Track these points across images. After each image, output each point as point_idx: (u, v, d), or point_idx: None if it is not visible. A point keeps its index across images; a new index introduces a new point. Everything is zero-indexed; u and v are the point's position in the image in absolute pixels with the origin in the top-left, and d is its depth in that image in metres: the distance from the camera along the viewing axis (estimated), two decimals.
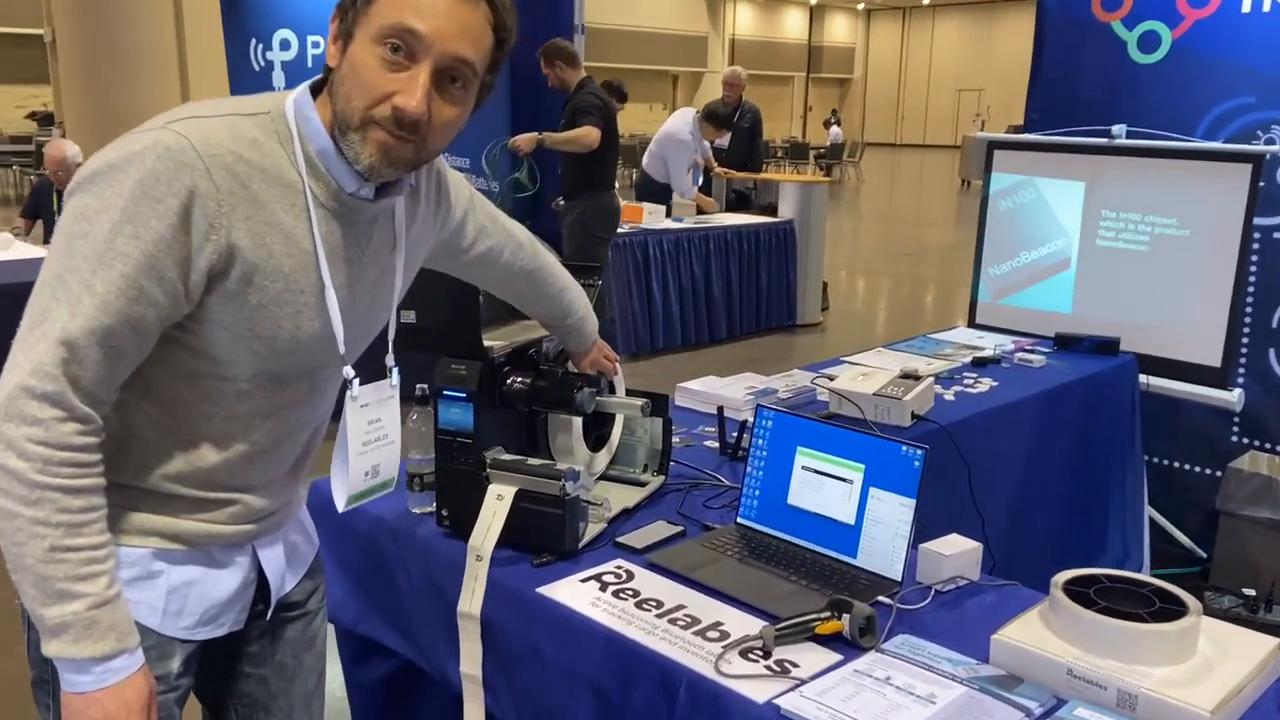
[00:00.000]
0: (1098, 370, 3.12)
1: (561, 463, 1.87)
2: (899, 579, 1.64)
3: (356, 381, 1.30)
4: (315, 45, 6.46)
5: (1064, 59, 3.64)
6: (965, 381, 2.89)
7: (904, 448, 1.67)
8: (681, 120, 7.19)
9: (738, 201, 7.74)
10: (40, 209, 6.09)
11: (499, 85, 4.75)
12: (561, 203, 5.39)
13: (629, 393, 2.03)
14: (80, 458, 1.08)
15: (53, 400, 1.05)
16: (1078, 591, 1.42)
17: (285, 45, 6.61)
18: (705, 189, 7.63)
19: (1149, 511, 3.42)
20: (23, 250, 5.35)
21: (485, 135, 5.51)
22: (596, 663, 1.51)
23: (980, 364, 3.08)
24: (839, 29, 36.31)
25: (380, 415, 1.35)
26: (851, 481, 1.72)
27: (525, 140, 5.28)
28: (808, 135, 29.73)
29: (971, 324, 3.81)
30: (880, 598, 1.60)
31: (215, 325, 1.15)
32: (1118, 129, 3.41)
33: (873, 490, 1.69)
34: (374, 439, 1.35)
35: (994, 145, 3.69)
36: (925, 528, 2.24)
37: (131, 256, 1.06)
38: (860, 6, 35.86)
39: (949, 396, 2.75)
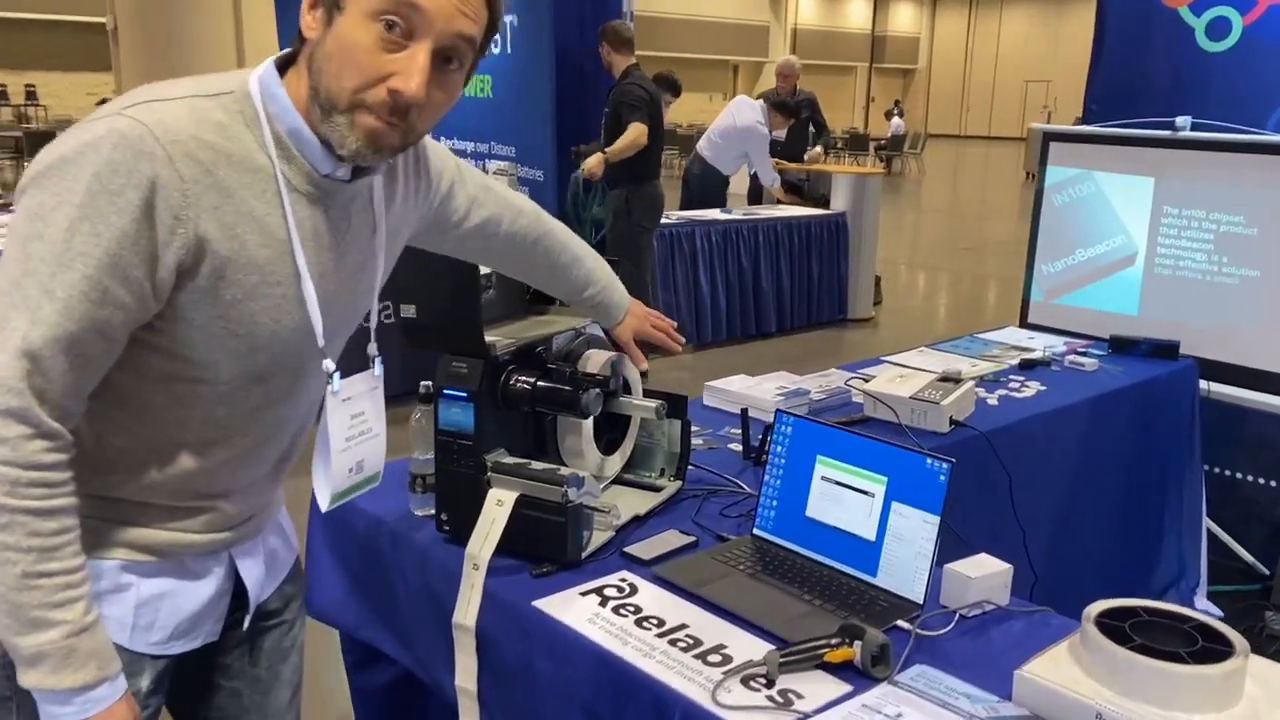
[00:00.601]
0: (1154, 375, 2.95)
1: (571, 466, 1.79)
2: (920, 601, 1.53)
3: (337, 375, 1.22)
4: None
5: (1126, 46, 3.45)
6: (1011, 385, 2.75)
7: (929, 460, 1.56)
8: (752, 110, 7.09)
9: (790, 193, 7.58)
10: None
11: (543, 78, 4.68)
12: (580, 148, 5.32)
13: (646, 393, 1.94)
14: (50, 477, 1.01)
15: (18, 417, 0.98)
16: (1112, 625, 1.30)
17: None
18: (759, 183, 7.50)
19: (1208, 525, 3.24)
20: None
21: (530, 127, 5.44)
22: (590, 684, 1.42)
23: (1028, 366, 2.93)
24: (903, 18, 35.71)
25: (364, 408, 1.27)
26: (873, 495, 1.61)
27: (595, 164, 5.25)
28: (869, 126, 29.29)
29: (1023, 324, 3.65)
30: (899, 621, 1.49)
31: (187, 325, 1.07)
32: (1182, 120, 3.22)
33: (895, 505, 1.58)
34: (357, 434, 1.27)
35: (1050, 137, 3.51)
36: (961, 542, 2.13)
37: (92, 256, 0.99)
38: None
39: (992, 401, 2.61)
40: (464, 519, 1.64)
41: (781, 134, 7.47)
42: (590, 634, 1.45)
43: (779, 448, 1.74)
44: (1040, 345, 3.16)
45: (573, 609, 1.52)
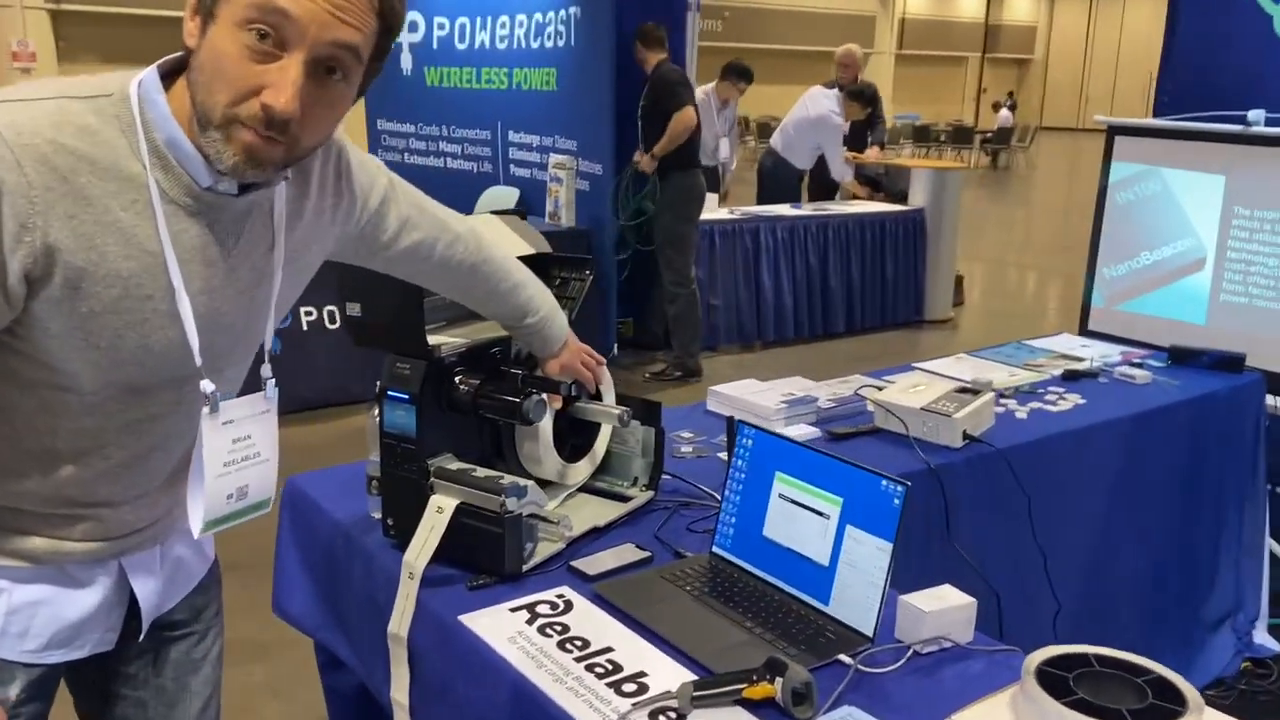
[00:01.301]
0: (1214, 389, 2.72)
1: (531, 473, 1.72)
2: (870, 634, 1.41)
3: (216, 395, 1.14)
4: (441, 27, 6.52)
5: (1200, 36, 3.20)
6: (1047, 397, 2.57)
7: (884, 482, 1.44)
8: (826, 100, 6.90)
9: (866, 186, 7.35)
10: None
11: (603, 70, 4.64)
12: (641, 157, 5.27)
13: (619, 399, 1.86)
14: None
15: None
16: (1055, 676, 1.16)
17: (413, 27, 6.70)
18: (830, 177, 7.30)
19: (1272, 550, 2.99)
20: None
21: (591, 120, 5.39)
22: (501, 708, 1.35)
23: (1072, 378, 2.74)
24: (1019, 7, 34.49)
25: (250, 432, 1.19)
26: (828, 516, 1.50)
27: (647, 162, 5.25)
28: (980, 119, 28.40)
29: (1082, 331, 3.43)
30: (842, 655, 1.38)
31: (44, 333, 1.03)
32: (1254, 115, 2.96)
33: (849, 528, 1.47)
34: (240, 458, 1.19)
35: (1114, 130, 3.29)
36: (967, 565, 1.99)
37: None
38: None
39: (1021, 414, 2.44)
40: (409, 524, 1.59)
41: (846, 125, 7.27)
42: (507, 654, 1.38)
43: (740, 461, 1.64)
44: (1093, 355, 2.95)
45: (497, 626, 1.45)
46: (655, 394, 1.96)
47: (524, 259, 1.83)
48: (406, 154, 6.98)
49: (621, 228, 5.45)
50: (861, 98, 6.93)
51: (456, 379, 1.61)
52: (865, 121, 7.35)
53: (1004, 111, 22.00)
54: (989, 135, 21.66)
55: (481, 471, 1.59)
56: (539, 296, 1.63)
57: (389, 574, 1.59)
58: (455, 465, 1.61)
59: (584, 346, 1.75)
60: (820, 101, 6.87)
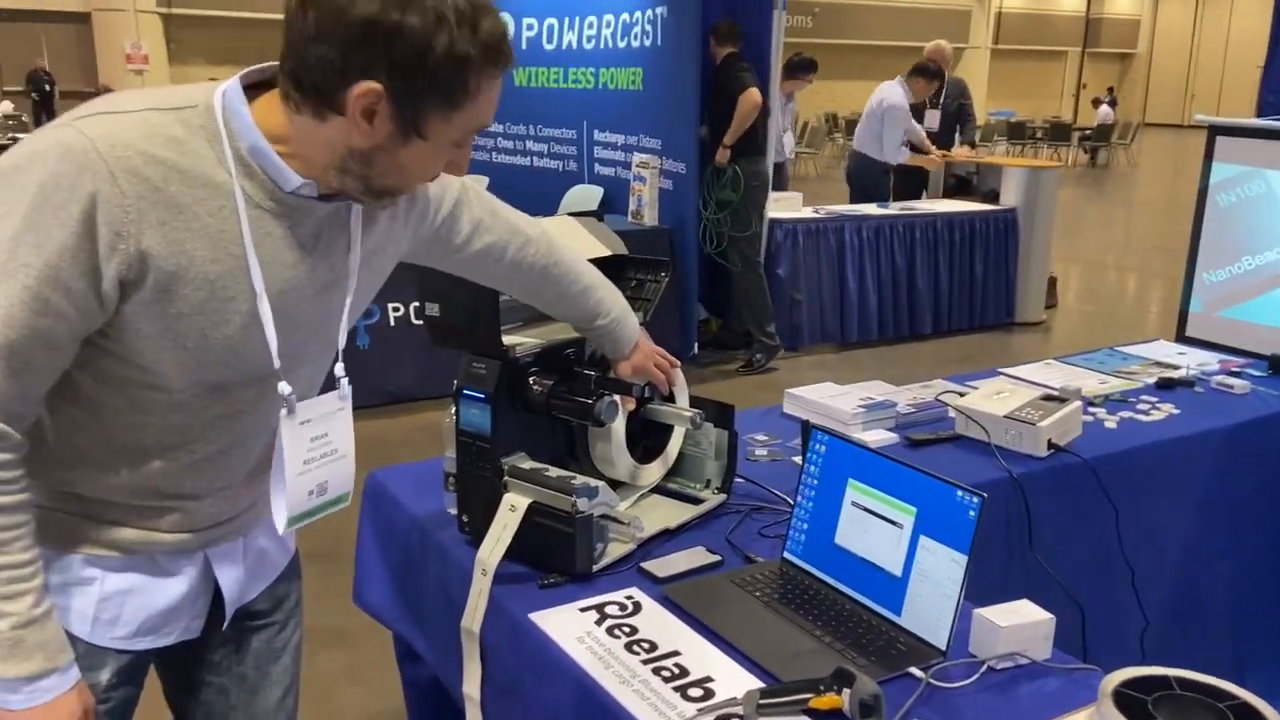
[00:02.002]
0: None
1: (603, 473, 1.74)
2: (943, 648, 1.38)
3: (294, 398, 1.18)
4: (529, 28, 6.59)
5: None
6: (1139, 407, 2.49)
7: (960, 493, 1.41)
8: (892, 85, 6.86)
9: (957, 187, 7.20)
10: None
11: (689, 69, 4.68)
12: (725, 153, 5.35)
13: (693, 401, 1.86)
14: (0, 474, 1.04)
15: None
16: (1133, 698, 1.13)
17: None
18: (921, 174, 7.16)
19: None
20: None
21: (676, 119, 5.39)
22: (567, 707, 1.37)
23: (1166, 386, 2.64)
24: (1122, 0, 33.36)
25: (327, 430, 1.23)
26: (901, 526, 1.47)
27: (721, 153, 5.32)
28: (1079, 115, 27.56)
29: (1180, 338, 3.30)
30: (913, 668, 1.35)
31: (135, 335, 1.08)
32: None
33: (923, 539, 1.44)
34: (319, 455, 1.23)
35: (1216, 130, 3.15)
36: (1050, 578, 1.93)
37: (34, 267, 1.00)
38: None
39: (1111, 423, 2.36)
40: (482, 521, 1.62)
41: (933, 125, 7.12)
42: (575, 654, 1.39)
43: (812, 467, 1.63)
44: (1189, 363, 2.84)
45: (566, 625, 1.46)
46: (733, 395, 1.94)
47: (600, 261, 1.85)
48: (494, 153, 7.07)
49: (706, 222, 5.46)
50: (926, 73, 6.80)
51: (531, 379, 1.63)
52: (955, 119, 7.20)
53: (1104, 108, 21.30)
54: (1088, 132, 21.00)
55: (554, 471, 1.61)
56: (610, 299, 1.63)
57: (463, 569, 1.62)
58: (529, 464, 1.63)
59: (657, 349, 1.75)
60: (885, 88, 6.83)
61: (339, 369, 1.25)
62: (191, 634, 1.30)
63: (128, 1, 18.32)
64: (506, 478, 1.61)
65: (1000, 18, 30.08)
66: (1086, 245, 10.63)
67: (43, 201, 0.99)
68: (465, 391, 1.62)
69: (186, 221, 1.05)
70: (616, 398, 1.62)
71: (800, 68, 6.54)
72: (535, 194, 6.48)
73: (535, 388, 1.62)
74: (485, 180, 7.09)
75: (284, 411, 1.17)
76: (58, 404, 1.11)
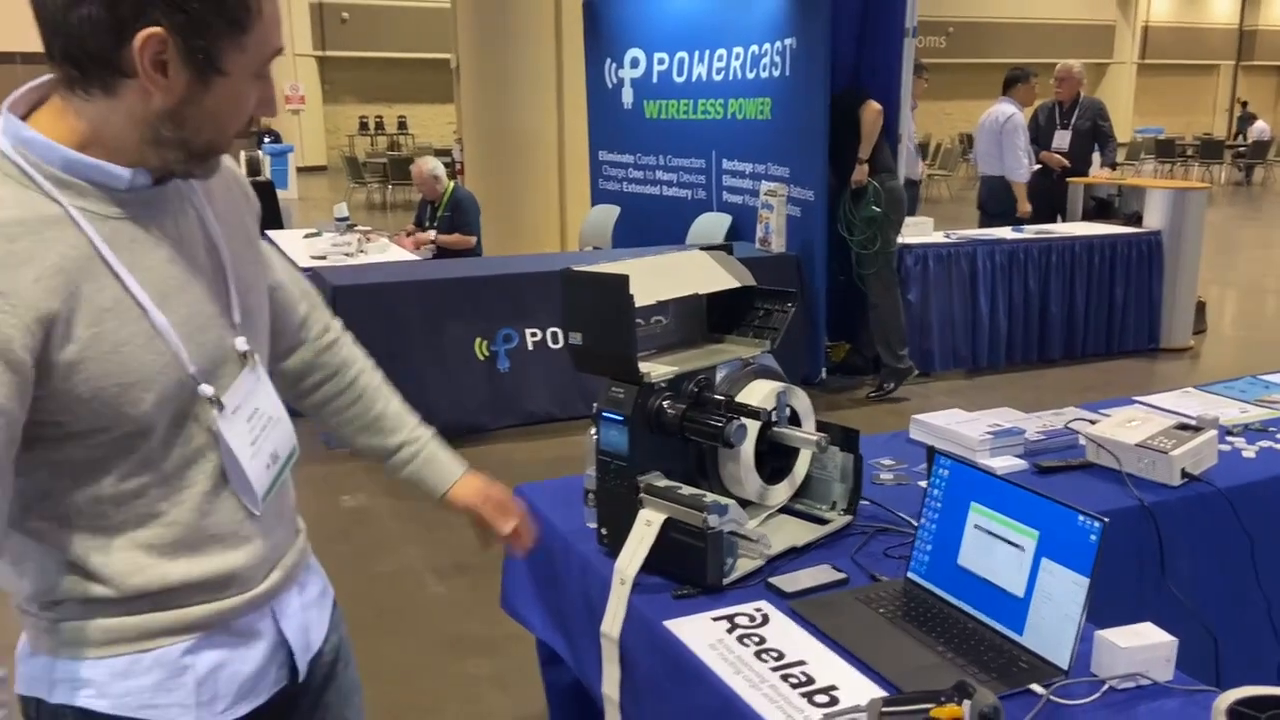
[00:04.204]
0: None
1: (731, 493, 1.83)
2: (1065, 667, 1.43)
3: (217, 396, 1.14)
4: (660, 62, 6.78)
5: None
6: (1279, 437, 2.44)
7: (1080, 518, 1.45)
8: (1000, 103, 6.88)
9: (1098, 210, 7.02)
10: (421, 219, 6.94)
11: (817, 97, 4.82)
12: (864, 171, 5.40)
13: (819, 425, 1.94)
14: None
15: None
16: (1247, 716, 1.16)
17: (634, 63, 7.01)
18: (1057, 196, 7.03)
19: None
20: (396, 253, 6.14)
21: (804, 147, 5.46)
22: (701, 708, 1.47)
23: None
24: (1278, 10, 31.62)
25: (256, 405, 1.20)
26: (1024, 549, 1.52)
27: (859, 170, 5.37)
28: (1232, 131, 26.22)
29: None
30: (1034, 685, 1.40)
31: (77, 402, 1.04)
32: None
33: (1045, 561, 1.49)
34: (260, 430, 1.21)
35: None
36: (1183, 606, 1.93)
37: None
38: None
39: (1249, 453, 2.33)
40: (619, 535, 1.74)
41: (1064, 145, 6.99)
42: (708, 659, 1.50)
43: (936, 491, 1.69)
44: None
45: (699, 632, 1.57)
46: (862, 421, 2.02)
47: (728, 292, 1.96)
48: (625, 183, 7.27)
49: (852, 245, 5.51)
50: (1018, 79, 6.84)
51: (665, 403, 1.75)
52: (1090, 139, 7.04)
53: (1259, 124, 20.21)
54: (1243, 149, 19.97)
55: (687, 489, 1.72)
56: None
57: (603, 579, 1.74)
58: (663, 483, 1.75)
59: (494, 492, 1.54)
60: (994, 107, 6.87)
61: (240, 343, 1.19)
62: (280, 684, 1.29)
63: (286, 46, 19.49)
64: (642, 494, 1.73)
65: (1147, 31, 28.93)
66: (1241, 268, 10.14)
67: None
68: (605, 414, 1.75)
69: (53, 264, 1.01)
70: (746, 421, 1.72)
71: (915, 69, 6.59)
72: (665, 222, 6.65)
73: (670, 411, 1.74)
74: (617, 210, 7.31)
75: (214, 411, 1.15)
76: (57, 537, 1.10)
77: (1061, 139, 7.03)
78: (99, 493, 1.10)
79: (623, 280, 1.67)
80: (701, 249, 2.01)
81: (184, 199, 1.15)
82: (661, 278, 1.86)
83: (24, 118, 1.05)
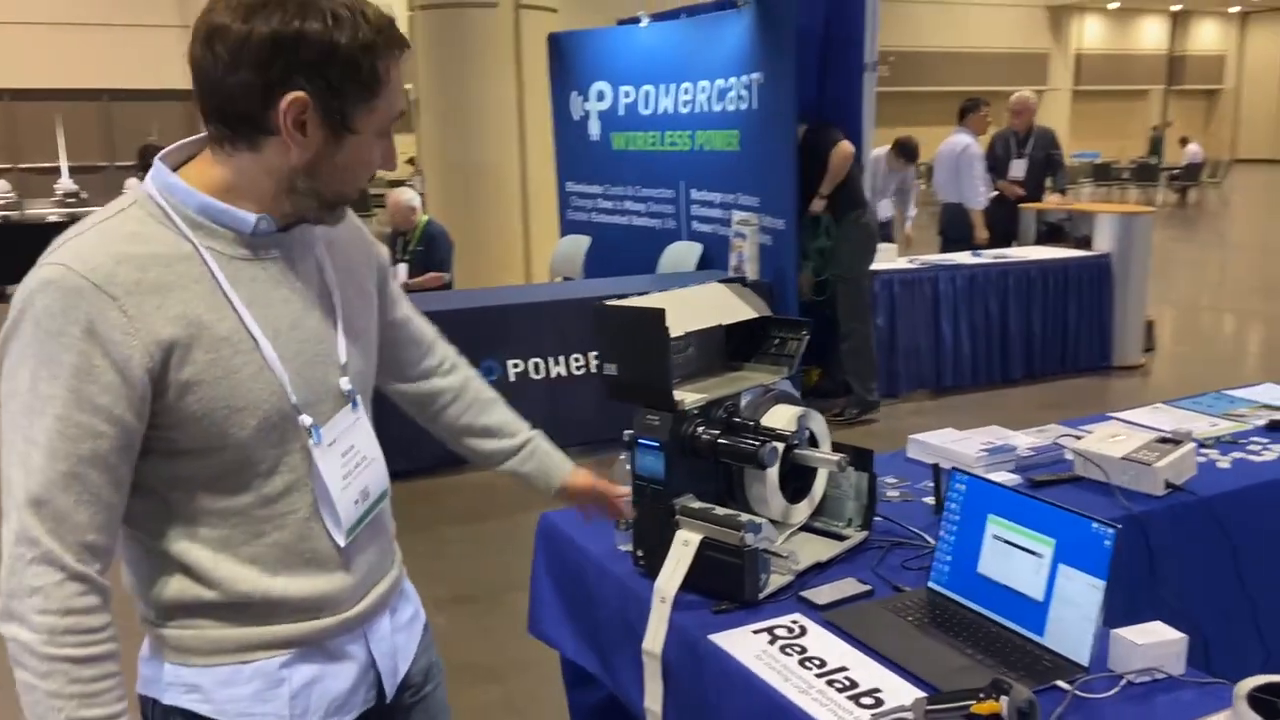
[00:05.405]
0: None
1: (757, 513, 1.94)
2: (1086, 664, 1.55)
3: (315, 429, 1.24)
4: (627, 95, 6.93)
5: None
6: (1250, 448, 2.60)
7: (1094, 525, 1.58)
8: (956, 133, 7.23)
9: (1049, 234, 7.30)
10: (390, 251, 6.97)
11: (786, 129, 4.96)
12: (821, 203, 5.59)
13: (836, 446, 2.06)
14: (86, 622, 1.08)
15: (45, 560, 1.07)
16: (1267, 701, 1.28)
17: (600, 96, 7.15)
18: (1012, 222, 7.30)
19: None
20: None
21: (774, 178, 5.63)
22: (752, 715, 1.56)
23: (1277, 428, 2.75)
24: (1206, 36, 32.91)
25: (352, 443, 1.30)
26: (1041, 556, 1.65)
27: (817, 203, 5.57)
28: (1165, 154, 27.18)
29: None
30: (1059, 681, 1.52)
31: (190, 419, 1.14)
32: None
33: (1062, 567, 1.61)
34: (354, 466, 1.30)
35: None
36: (1172, 609, 2.07)
37: (57, 398, 1.06)
38: (1234, 10, 32.27)
39: (1224, 464, 2.49)
40: (656, 556, 1.84)
41: (1019, 174, 7.30)
42: (756, 669, 1.59)
43: (954, 505, 1.81)
44: None
45: (743, 645, 1.66)
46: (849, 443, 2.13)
47: (746, 322, 2.07)
48: (594, 213, 7.40)
49: (815, 272, 5.68)
50: (971, 109, 7.24)
51: (698, 429, 1.85)
52: (1044, 167, 7.34)
53: (1191, 146, 20.99)
54: (1177, 171, 20.72)
55: (720, 510, 1.82)
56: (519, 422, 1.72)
57: (640, 599, 1.83)
58: (697, 504, 1.85)
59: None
60: (951, 137, 7.21)
61: (344, 383, 1.29)
62: (368, 704, 1.36)
63: None
64: (678, 516, 1.83)
65: (1080, 59, 29.92)
66: (1180, 287, 10.54)
67: (44, 336, 1.07)
68: (641, 440, 1.85)
69: (179, 295, 1.12)
70: (778, 444, 1.83)
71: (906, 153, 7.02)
72: (635, 251, 6.78)
73: (704, 436, 1.84)
74: (587, 240, 7.42)
75: (311, 441, 1.24)
76: (167, 548, 1.20)
77: (1018, 168, 7.33)
78: (210, 507, 1.20)
79: (659, 314, 1.77)
80: (719, 281, 2.12)
81: (307, 247, 1.28)
82: (687, 310, 1.96)
83: (176, 168, 1.19)
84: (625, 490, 1.79)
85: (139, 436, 1.12)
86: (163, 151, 1.20)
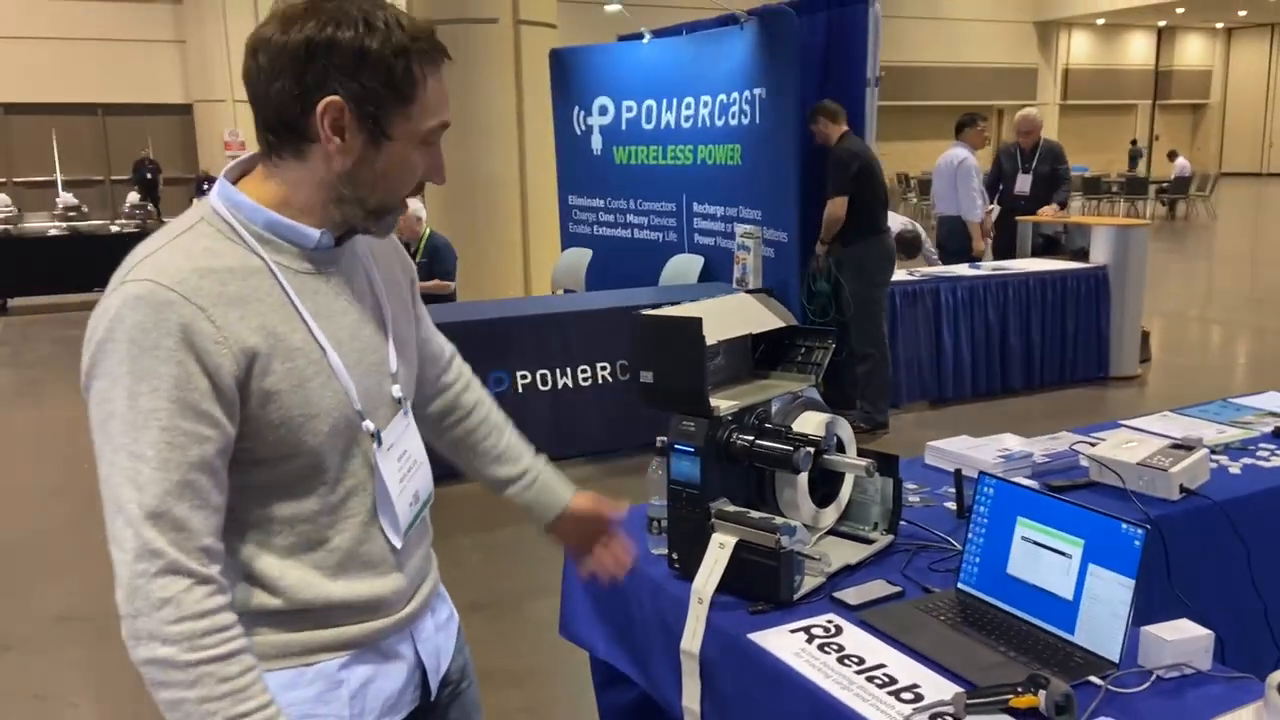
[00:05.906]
0: None
1: (788, 517, 1.99)
2: (1116, 660, 1.60)
3: (379, 433, 1.29)
4: (629, 110, 7.00)
5: None
6: (1259, 454, 2.67)
7: (1124, 526, 1.63)
8: (954, 147, 7.29)
9: (1045, 247, 7.39)
10: None
11: (788, 143, 4.99)
12: (822, 248, 5.61)
13: (861, 452, 2.11)
14: (220, 620, 1.11)
15: (171, 571, 1.08)
16: None
17: (603, 110, 7.22)
18: (1010, 236, 7.39)
19: None
20: None
21: (776, 192, 5.70)
22: (794, 711, 1.61)
23: None
24: (1192, 52, 33.27)
25: (406, 447, 1.34)
26: (1070, 556, 1.70)
27: (820, 249, 5.62)
28: (1152, 168, 27.43)
29: None
30: (1091, 677, 1.57)
31: (268, 427, 1.17)
32: None
33: (1091, 567, 1.67)
34: (407, 470, 1.35)
35: None
36: (1189, 610, 2.12)
37: (160, 410, 1.09)
38: (1219, 25, 32.64)
39: (1235, 469, 2.55)
40: (691, 559, 1.88)
41: (1025, 189, 7.39)
42: (797, 666, 1.64)
43: (982, 508, 1.86)
44: None
45: (782, 643, 1.71)
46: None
47: (772, 331, 2.13)
48: (596, 226, 7.46)
49: (820, 314, 5.68)
50: (968, 124, 7.26)
51: (733, 434, 1.90)
52: (1050, 182, 7.44)
53: (1180, 160, 21.20)
54: (1165, 185, 20.92)
55: (755, 513, 1.87)
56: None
57: (676, 600, 1.88)
58: (731, 508, 1.89)
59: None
60: (949, 151, 7.28)
61: (396, 390, 1.33)
62: (416, 703, 1.40)
63: (226, 93, 19.44)
64: (714, 519, 1.87)
65: (1068, 74, 30.22)
66: (1172, 299, 10.65)
67: (138, 351, 1.08)
68: (676, 446, 1.90)
69: (255, 307, 1.16)
70: (810, 449, 1.88)
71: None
72: (637, 263, 6.85)
73: (738, 442, 1.89)
74: (589, 253, 7.48)
75: (375, 445, 1.28)
76: (231, 545, 1.20)
77: (1023, 182, 7.44)
78: (278, 515, 1.23)
79: (697, 323, 1.82)
80: (747, 292, 2.18)
81: (357, 260, 1.32)
82: (718, 319, 2.01)
83: (234, 183, 1.23)
84: (624, 512, 1.72)
85: (233, 441, 1.15)
86: (224, 169, 1.24)
